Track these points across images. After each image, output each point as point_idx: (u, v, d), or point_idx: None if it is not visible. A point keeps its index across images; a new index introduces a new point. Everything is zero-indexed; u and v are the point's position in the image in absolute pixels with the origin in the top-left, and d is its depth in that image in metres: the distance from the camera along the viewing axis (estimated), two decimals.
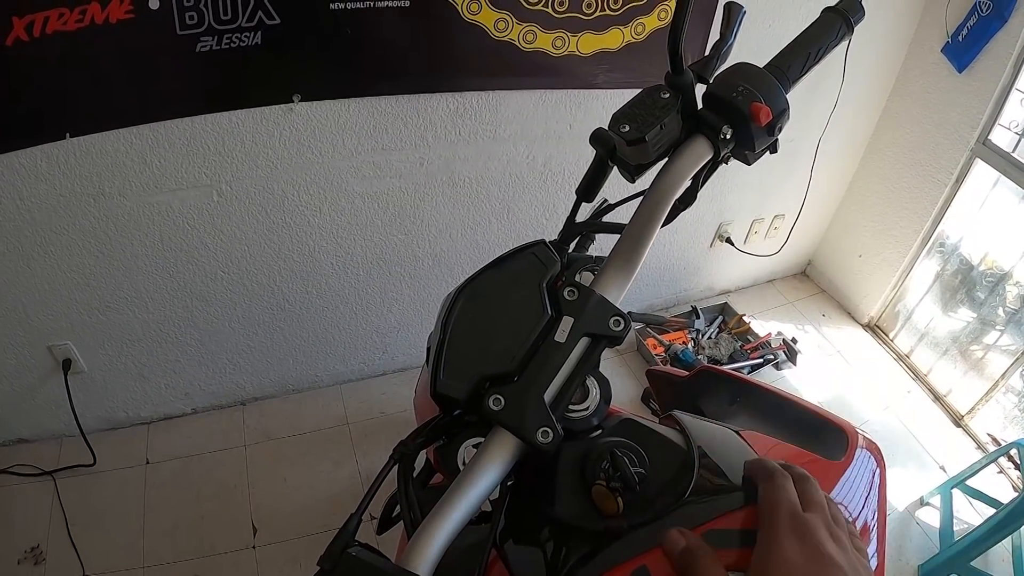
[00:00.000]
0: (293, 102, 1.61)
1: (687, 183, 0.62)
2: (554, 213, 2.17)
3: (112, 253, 1.72)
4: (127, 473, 2.02)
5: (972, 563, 1.89)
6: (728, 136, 0.62)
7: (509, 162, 1.98)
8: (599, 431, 0.60)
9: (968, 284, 2.53)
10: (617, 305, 0.57)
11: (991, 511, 1.98)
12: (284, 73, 1.56)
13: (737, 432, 0.66)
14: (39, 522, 1.87)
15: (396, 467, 0.56)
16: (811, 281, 3.09)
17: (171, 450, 2.10)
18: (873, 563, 0.71)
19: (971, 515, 2.14)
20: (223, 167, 1.67)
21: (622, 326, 0.56)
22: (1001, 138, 2.23)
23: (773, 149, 0.67)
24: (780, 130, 0.64)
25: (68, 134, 1.48)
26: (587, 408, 0.58)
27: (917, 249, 2.60)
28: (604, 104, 1.94)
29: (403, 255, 2.08)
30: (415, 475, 0.58)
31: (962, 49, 2.16)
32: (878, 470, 0.76)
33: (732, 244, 2.65)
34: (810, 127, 2.31)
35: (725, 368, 1.07)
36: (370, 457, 2.14)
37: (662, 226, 0.61)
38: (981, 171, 2.33)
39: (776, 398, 0.87)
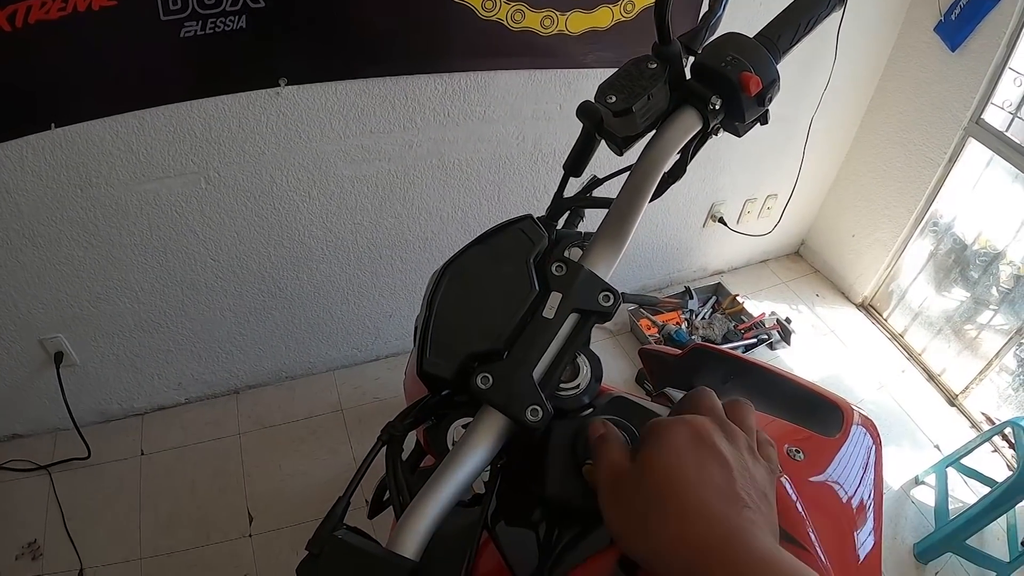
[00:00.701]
0: (280, 86, 1.59)
1: (676, 155, 0.61)
2: (545, 194, 2.15)
3: (101, 244, 1.70)
4: (122, 465, 2.01)
5: (967, 541, 1.90)
6: (717, 106, 0.61)
7: (499, 143, 1.97)
8: (590, 409, 0.59)
9: (962, 264, 2.54)
10: (607, 280, 0.56)
11: (986, 490, 2.00)
12: (270, 57, 1.54)
13: None
14: (36, 517, 1.87)
15: (384, 450, 0.55)
16: (805, 261, 3.09)
17: (166, 441, 2.09)
18: (870, 541, 0.70)
19: (966, 494, 2.16)
20: (210, 153, 1.65)
21: (612, 301, 0.55)
22: (994, 117, 2.23)
23: (764, 120, 0.65)
24: (771, 100, 0.63)
25: (53, 124, 1.46)
26: (578, 386, 0.57)
27: (910, 229, 2.60)
28: (594, 83, 1.87)
29: (393, 239, 2.06)
30: (404, 458, 0.57)
31: (955, 28, 2.15)
32: (874, 447, 0.76)
33: (725, 224, 2.64)
34: (802, 106, 2.29)
35: (718, 346, 1.07)
36: (365, 443, 2.13)
37: (651, 200, 0.60)
38: (974, 150, 2.32)
39: (770, 375, 0.86)
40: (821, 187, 2.84)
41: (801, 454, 0.66)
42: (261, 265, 1.94)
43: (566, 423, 0.57)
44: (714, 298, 2.79)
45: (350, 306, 2.19)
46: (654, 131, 0.62)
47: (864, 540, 0.69)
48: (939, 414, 2.49)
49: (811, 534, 0.59)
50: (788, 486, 0.60)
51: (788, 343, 2.60)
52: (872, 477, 0.73)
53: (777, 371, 0.87)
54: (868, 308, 2.86)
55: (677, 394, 0.65)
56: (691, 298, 2.69)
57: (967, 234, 2.51)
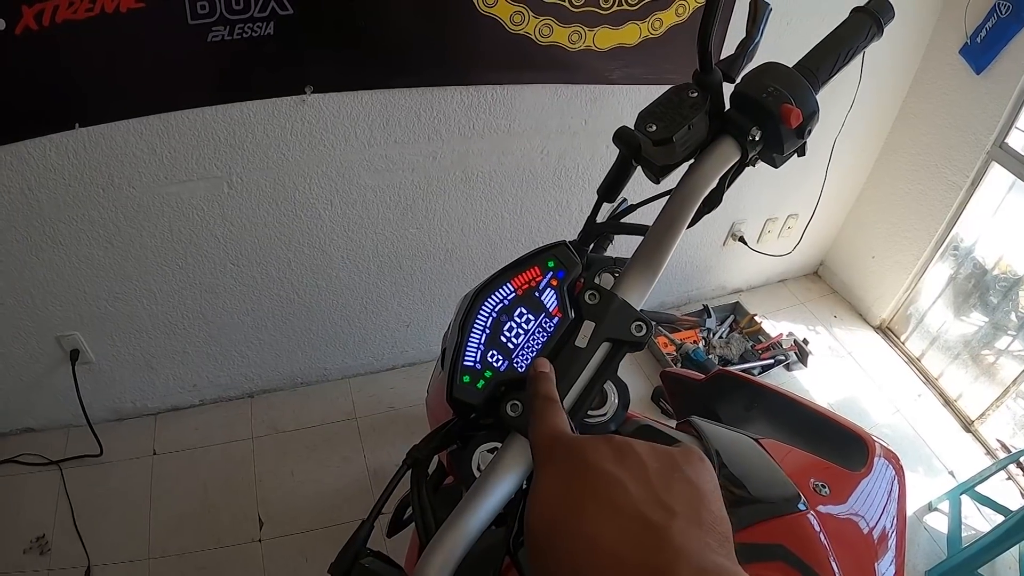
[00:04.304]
0: (305, 94, 1.59)
1: (713, 184, 0.60)
2: (567, 209, 2.15)
3: (121, 244, 1.71)
4: (134, 464, 2.01)
5: (979, 570, 1.87)
6: (757, 138, 0.60)
7: (523, 157, 1.96)
8: None
9: (981, 288, 2.51)
10: (639, 309, 0.55)
11: (1000, 518, 1.97)
12: (296, 64, 1.55)
13: (756, 440, 0.65)
14: (45, 512, 1.87)
15: (409, 473, 0.55)
16: (823, 282, 3.06)
17: (178, 442, 2.09)
18: (891, 571, 0.69)
19: (979, 522, 2.12)
20: (234, 158, 1.65)
21: (644, 331, 0.54)
22: (1018, 141, 2.21)
23: (801, 152, 0.65)
24: (810, 133, 0.63)
25: (78, 124, 1.46)
26: (605, 414, 0.57)
27: (931, 252, 2.57)
28: (620, 100, 1.92)
29: (414, 249, 2.06)
30: (427, 478, 0.57)
31: (980, 51, 2.14)
32: (897, 479, 0.75)
33: (745, 243, 2.62)
34: (826, 127, 2.26)
35: (742, 372, 1.06)
36: (378, 452, 2.12)
37: (686, 228, 0.59)
38: (997, 174, 2.30)
39: (794, 404, 0.85)
40: (842, 208, 2.82)
41: (827, 489, 0.66)
42: (281, 271, 1.94)
43: None
44: (732, 317, 2.77)
45: (368, 314, 2.19)
46: (692, 160, 0.62)
47: (888, 572, 0.68)
48: (954, 440, 2.45)
49: (836, 572, 0.58)
50: (814, 520, 0.59)
51: (805, 364, 2.58)
52: (895, 509, 0.72)
53: (800, 400, 0.86)
54: (886, 331, 2.83)
55: (702, 423, 0.64)
56: (709, 316, 2.67)
57: (987, 259, 2.48)
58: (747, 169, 0.66)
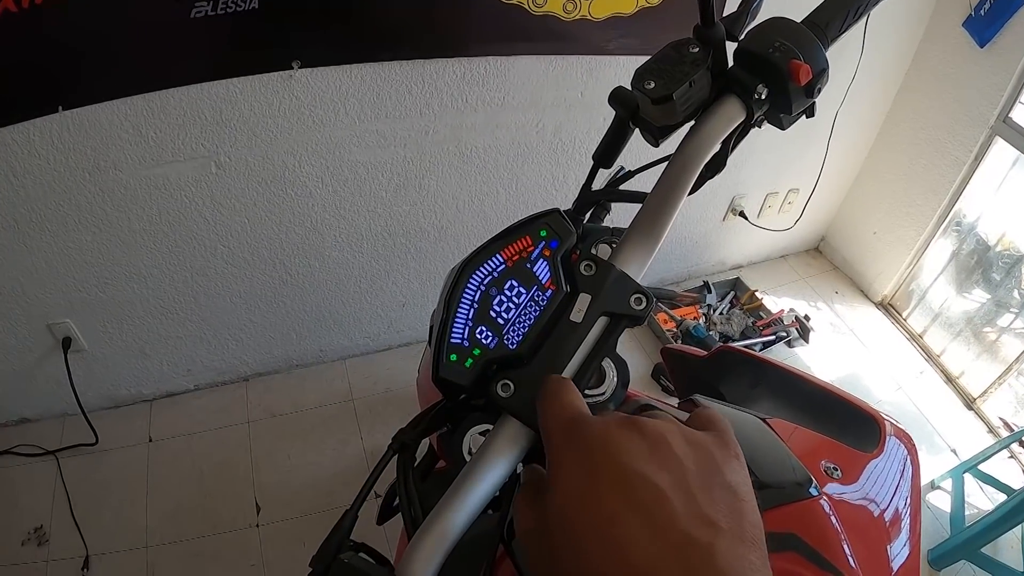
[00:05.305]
0: (293, 69, 1.55)
1: (716, 147, 0.56)
2: (563, 183, 2.12)
3: (109, 228, 1.68)
4: (130, 452, 2.00)
5: (982, 549, 1.86)
6: (763, 96, 0.56)
7: (518, 131, 1.92)
8: None
9: (984, 265, 2.49)
10: (639, 281, 0.52)
11: (1002, 497, 1.97)
12: (283, 39, 1.51)
13: (764, 419, 0.61)
14: (42, 503, 1.86)
15: (396, 458, 0.52)
16: (824, 257, 3.04)
17: (174, 428, 2.07)
18: (904, 552, 0.66)
19: (982, 500, 2.12)
20: (221, 137, 1.62)
21: (644, 305, 0.51)
22: (1022, 116, 2.17)
23: (810, 113, 0.61)
24: (819, 92, 0.59)
25: (61, 107, 1.43)
26: (603, 393, 0.53)
27: (933, 228, 2.55)
28: (617, 71, 1.87)
29: (408, 226, 2.03)
30: (416, 464, 0.53)
31: (984, 24, 2.09)
32: (909, 458, 0.72)
33: (745, 218, 2.60)
34: (827, 100, 2.23)
35: (746, 349, 1.01)
36: (375, 434, 2.11)
37: (688, 195, 0.56)
38: (1000, 149, 2.27)
39: (801, 382, 0.82)
40: (843, 183, 2.79)
41: (839, 471, 0.62)
42: (272, 252, 1.91)
43: None
44: (732, 293, 2.75)
45: (363, 294, 2.16)
46: (693, 121, 0.58)
47: (900, 555, 0.65)
48: (957, 418, 2.45)
49: (850, 559, 0.55)
50: (827, 506, 0.56)
51: (807, 341, 2.56)
52: (907, 489, 0.69)
53: (808, 377, 0.83)
54: (888, 307, 2.81)
55: (707, 403, 0.60)
56: (709, 292, 2.66)
57: (990, 235, 2.46)
58: (747, 142, 0.62)
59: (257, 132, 1.64)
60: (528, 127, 1.93)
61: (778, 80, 0.56)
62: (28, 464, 1.94)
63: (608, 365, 0.54)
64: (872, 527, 0.62)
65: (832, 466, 0.63)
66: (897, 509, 0.67)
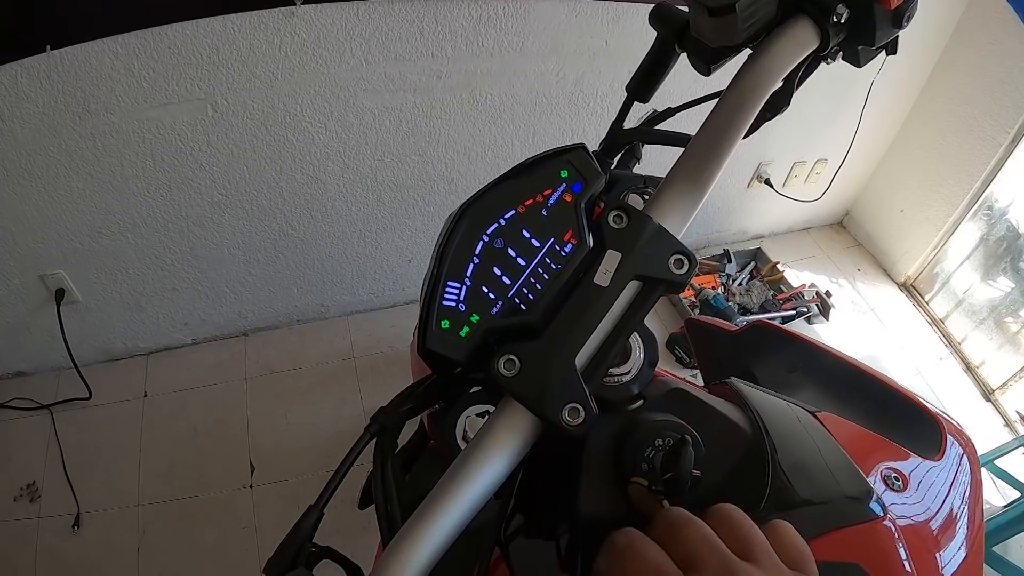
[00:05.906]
0: (295, 5, 1.46)
1: (780, 80, 0.46)
2: (584, 138, 1.97)
3: (101, 175, 1.62)
4: (124, 407, 1.96)
5: (993, 548, 1.79)
6: (843, 19, 0.46)
7: (536, 79, 1.83)
8: (640, 402, 0.46)
9: (1013, 253, 2.40)
10: (680, 239, 0.42)
11: (1016, 494, 1.90)
12: None
13: (813, 413, 0.52)
14: (35, 458, 1.83)
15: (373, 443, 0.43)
16: (848, 233, 2.94)
17: (169, 383, 2.02)
18: (960, 557, 0.57)
19: (995, 495, 2.05)
20: (218, 79, 1.53)
21: (686, 268, 0.41)
22: None
23: (892, 49, 0.50)
24: (908, 21, 0.48)
25: (49, 46, 1.36)
26: (628, 372, 0.44)
27: (963, 210, 2.45)
28: (645, 21, 1.74)
29: (416, 177, 1.95)
30: (397, 450, 0.44)
31: None
32: (971, 466, 0.62)
33: (771, 186, 2.50)
34: (865, 68, 2.11)
35: (784, 326, 0.90)
36: (376, 395, 2.05)
37: (743, 138, 0.45)
38: None
39: (851, 369, 0.71)
40: (872, 157, 2.68)
41: (900, 481, 0.53)
42: (272, 201, 1.84)
43: (609, 420, 0.44)
44: (753, 264, 2.66)
45: (367, 248, 2.09)
46: (751, 49, 0.47)
47: None
48: (974, 408, 2.38)
49: None
50: (893, 528, 0.46)
51: (827, 318, 2.47)
52: (970, 500, 0.59)
53: (858, 365, 0.72)
54: (910, 289, 2.73)
55: (746, 388, 0.51)
56: (729, 261, 2.57)
57: (1022, 222, 2.36)
58: None
59: (256, 73, 1.55)
60: (547, 76, 1.83)
61: (862, 1, 0.45)
62: (23, 418, 1.90)
63: (634, 340, 0.45)
64: (934, 550, 0.52)
65: (894, 476, 0.53)
66: (960, 527, 0.57)
